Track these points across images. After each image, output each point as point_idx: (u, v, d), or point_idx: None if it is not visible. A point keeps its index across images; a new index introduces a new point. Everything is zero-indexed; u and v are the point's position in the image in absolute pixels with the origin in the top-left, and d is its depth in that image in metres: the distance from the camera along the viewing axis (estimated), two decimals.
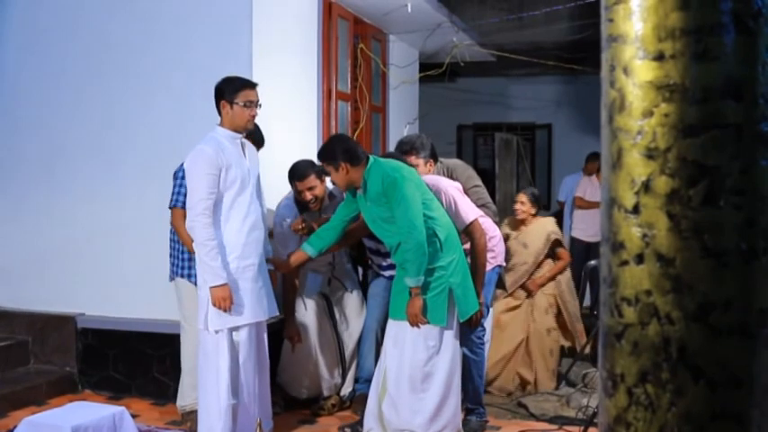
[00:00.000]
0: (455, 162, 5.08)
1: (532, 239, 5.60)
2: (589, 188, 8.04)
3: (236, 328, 3.97)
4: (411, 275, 4.02)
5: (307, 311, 4.88)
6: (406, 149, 4.74)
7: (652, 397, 1.30)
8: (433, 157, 4.77)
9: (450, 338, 4.20)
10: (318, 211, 4.81)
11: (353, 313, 5.05)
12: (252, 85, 4.04)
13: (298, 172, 4.73)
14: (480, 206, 4.69)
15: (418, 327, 4.07)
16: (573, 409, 4.93)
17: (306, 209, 4.80)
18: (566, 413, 4.93)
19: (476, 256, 4.39)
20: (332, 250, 4.70)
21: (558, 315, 5.66)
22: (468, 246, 4.42)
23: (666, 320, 1.29)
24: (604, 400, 1.39)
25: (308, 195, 4.71)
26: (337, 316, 5.00)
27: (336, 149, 4.15)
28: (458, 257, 4.20)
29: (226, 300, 3.85)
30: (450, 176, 4.80)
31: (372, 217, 4.21)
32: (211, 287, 3.85)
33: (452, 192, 4.44)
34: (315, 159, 4.63)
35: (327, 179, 4.61)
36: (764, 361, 1.31)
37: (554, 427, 4.68)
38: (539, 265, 5.64)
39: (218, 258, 3.85)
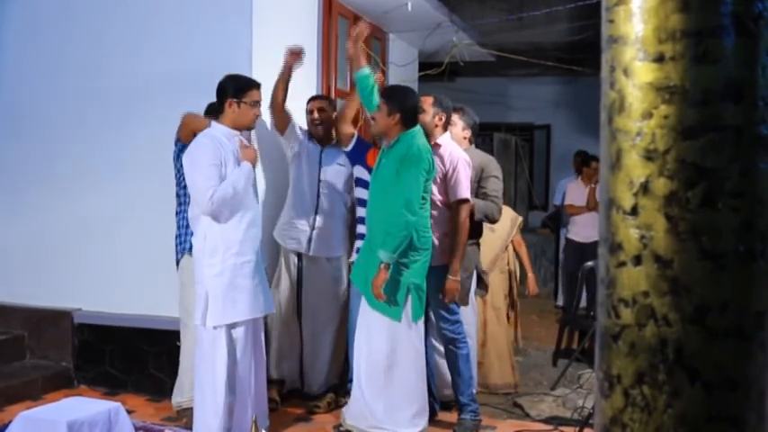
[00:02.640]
0: (490, 158, 5.09)
1: (499, 224, 5.56)
2: (576, 194, 8.10)
3: (234, 325, 3.97)
4: (387, 250, 4.04)
5: (279, 292, 4.91)
6: (457, 107, 4.89)
7: (648, 398, 1.30)
8: (473, 131, 4.97)
9: (413, 335, 4.21)
10: (320, 141, 5.03)
11: (323, 302, 5.02)
12: (258, 85, 4.09)
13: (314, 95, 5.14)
14: (493, 196, 4.71)
15: (380, 298, 4.09)
16: (569, 410, 4.94)
17: (311, 138, 5.04)
18: (561, 414, 4.94)
19: (456, 233, 4.38)
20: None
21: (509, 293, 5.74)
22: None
23: (663, 322, 1.29)
24: (600, 400, 1.39)
25: (316, 114, 5.00)
26: (305, 300, 4.99)
27: (399, 96, 4.26)
28: (423, 260, 4.21)
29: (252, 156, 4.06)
30: (481, 169, 4.79)
31: (378, 177, 4.25)
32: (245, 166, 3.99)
33: (462, 164, 4.46)
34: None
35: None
36: (761, 364, 1.31)
37: (549, 427, 4.68)
38: (504, 249, 5.71)
39: (230, 185, 3.87)
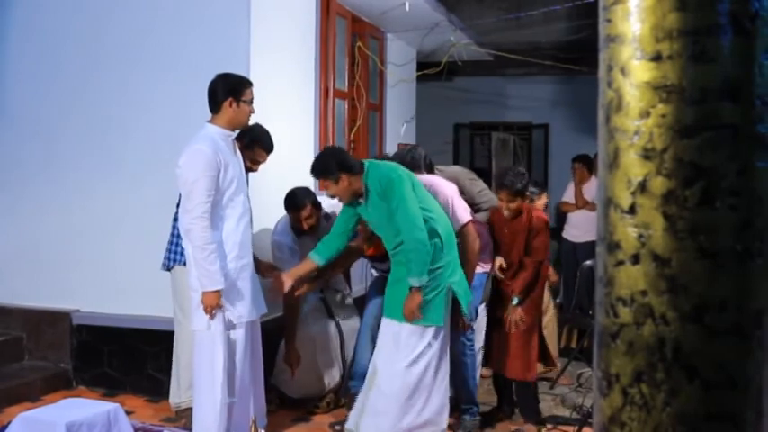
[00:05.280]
0: (455, 170, 5.08)
1: None
2: (569, 193, 8.18)
3: (233, 327, 3.96)
4: (414, 275, 3.99)
5: (306, 312, 4.89)
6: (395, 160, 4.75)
7: (647, 397, 1.30)
8: (428, 168, 4.76)
9: (442, 338, 4.20)
10: (316, 235, 4.81)
11: (350, 313, 5.06)
12: (251, 83, 4.09)
13: (295, 202, 4.78)
14: (488, 209, 4.73)
15: (412, 322, 4.06)
16: (568, 409, 4.95)
17: (302, 232, 4.83)
18: (560, 413, 4.94)
19: (467, 259, 4.38)
20: (326, 275, 4.78)
21: None
22: None
23: (662, 321, 1.29)
24: (599, 399, 1.39)
25: (305, 225, 4.78)
26: (336, 314, 5.01)
27: (330, 163, 4.10)
28: (455, 256, 4.21)
29: (215, 306, 3.83)
30: (456, 185, 4.80)
31: (375, 224, 4.22)
32: (207, 291, 3.81)
33: (450, 192, 4.45)
34: (312, 154, 4.65)
35: (324, 198, 4.61)
36: (759, 362, 1.31)
37: (549, 426, 4.69)
38: None
39: (216, 263, 3.80)
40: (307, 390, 4.92)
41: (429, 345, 4.13)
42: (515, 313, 4.52)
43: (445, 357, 4.25)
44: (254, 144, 4.40)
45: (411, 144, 5.33)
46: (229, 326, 3.94)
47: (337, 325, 4.98)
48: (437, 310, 4.10)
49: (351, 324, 5.03)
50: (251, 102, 4.04)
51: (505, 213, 4.57)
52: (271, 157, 5.05)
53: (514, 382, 4.72)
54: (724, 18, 1.27)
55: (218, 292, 3.82)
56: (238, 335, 3.98)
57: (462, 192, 4.74)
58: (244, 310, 3.98)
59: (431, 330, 4.13)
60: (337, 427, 4.55)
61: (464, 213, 4.43)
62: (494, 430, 4.67)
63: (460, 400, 4.59)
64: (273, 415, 4.56)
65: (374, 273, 5.05)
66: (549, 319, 5.69)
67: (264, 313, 4.28)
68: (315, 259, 4.35)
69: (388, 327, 4.19)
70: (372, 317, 4.80)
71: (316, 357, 4.88)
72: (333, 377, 4.95)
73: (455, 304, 4.25)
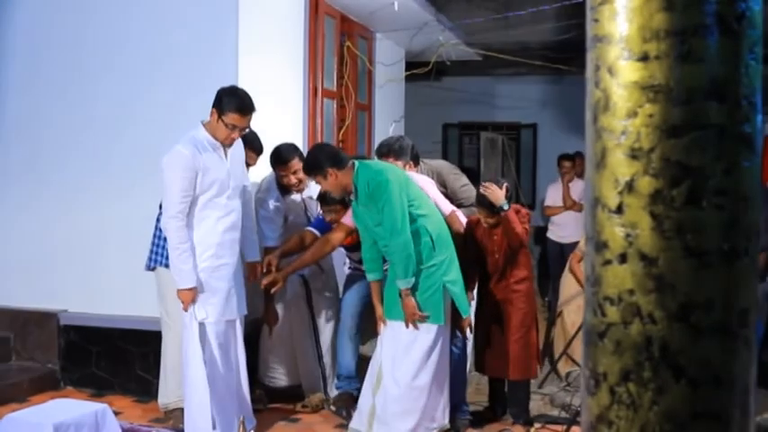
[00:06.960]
0: (440, 163, 5.09)
1: None
2: (554, 195, 8.20)
3: (204, 326, 4.02)
4: (399, 277, 4.02)
5: (286, 295, 4.88)
6: (383, 152, 4.75)
7: (634, 396, 1.31)
8: (414, 158, 4.76)
9: (443, 336, 4.21)
10: (300, 192, 4.86)
11: (331, 301, 5.04)
12: (245, 112, 3.99)
13: (281, 157, 4.76)
14: (470, 205, 4.73)
15: (416, 326, 4.07)
16: (556, 408, 4.95)
17: (287, 191, 4.82)
18: (549, 412, 4.95)
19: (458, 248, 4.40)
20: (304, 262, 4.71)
21: None
22: None
23: (649, 320, 1.30)
24: (587, 398, 1.40)
25: (293, 179, 4.77)
26: (315, 302, 4.98)
27: (320, 157, 4.15)
28: (450, 255, 4.20)
29: (190, 303, 3.95)
30: (438, 178, 4.82)
31: (365, 225, 4.22)
32: (180, 289, 3.93)
33: (428, 187, 4.49)
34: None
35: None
36: (745, 360, 1.32)
37: (537, 425, 4.69)
38: None
39: (189, 261, 3.91)
40: (288, 377, 4.94)
41: (432, 345, 4.13)
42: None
43: (446, 355, 4.26)
44: (245, 146, 4.40)
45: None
46: (201, 323, 3.99)
47: (312, 316, 4.95)
48: (436, 309, 4.11)
49: (326, 315, 5.01)
50: (233, 128, 3.97)
51: (485, 225, 4.49)
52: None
53: (509, 381, 4.70)
54: (710, 18, 1.27)
55: (192, 289, 3.93)
56: (210, 334, 4.03)
57: (445, 186, 4.76)
58: (215, 309, 4.02)
59: (433, 329, 4.13)
60: (332, 408, 4.64)
61: (445, 206, 4.49)
62: (483, 430, 4.67)
63: (451, 398, 4.60)
64: (261, 415, 4.55)
65: (347, 270, 5.02)
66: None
67: (245, 315, 4.30)
68: (377, 277, 4.33)
69: (388, 328, 4.20)
70: (349, 316, 4.78)
71: (293, 344, 4.91)
72: (310, 366, 4.92)
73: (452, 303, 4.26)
